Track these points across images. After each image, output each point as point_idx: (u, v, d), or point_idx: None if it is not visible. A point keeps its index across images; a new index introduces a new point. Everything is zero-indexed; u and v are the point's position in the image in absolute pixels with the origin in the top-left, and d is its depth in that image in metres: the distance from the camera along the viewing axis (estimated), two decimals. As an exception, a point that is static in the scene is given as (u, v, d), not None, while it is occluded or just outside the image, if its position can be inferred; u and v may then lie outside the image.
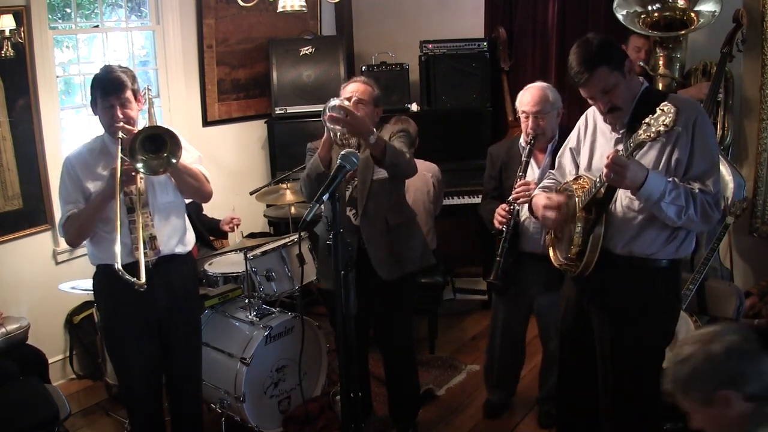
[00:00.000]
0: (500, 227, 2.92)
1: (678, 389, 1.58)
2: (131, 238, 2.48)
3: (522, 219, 2.95)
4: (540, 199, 2.40)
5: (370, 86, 2.84)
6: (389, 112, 4.33)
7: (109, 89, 2.43)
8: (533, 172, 2.97)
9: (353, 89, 2.81)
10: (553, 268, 2.89)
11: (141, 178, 2.49)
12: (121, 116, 2.43)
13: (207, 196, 2.67)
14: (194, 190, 2.60)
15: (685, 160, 2.13)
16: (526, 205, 2.85)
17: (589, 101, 2.26)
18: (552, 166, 2.93)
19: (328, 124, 2.61)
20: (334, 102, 2.60)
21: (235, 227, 4.14)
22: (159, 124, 2.52)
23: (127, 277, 2.32)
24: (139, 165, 2.34)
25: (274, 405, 3.22)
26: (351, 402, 2.21)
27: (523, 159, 2.93)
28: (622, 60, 2.15)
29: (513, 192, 2.87)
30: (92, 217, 2.46)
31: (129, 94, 2.45)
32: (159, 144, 2.36)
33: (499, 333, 3.22)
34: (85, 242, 2.58)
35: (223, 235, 4.28)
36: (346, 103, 2.65)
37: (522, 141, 3.00)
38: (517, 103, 3.01)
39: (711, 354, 1.52)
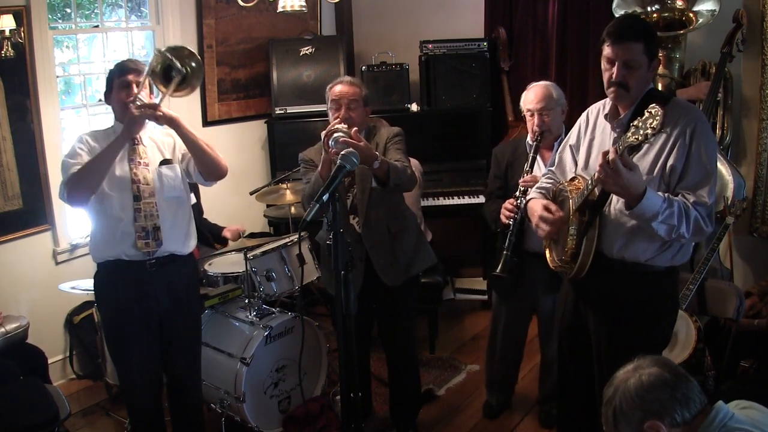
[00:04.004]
0: (507, 221, 2.91)
1: (611, 430, 1.64)
2: (135, 227, 2.48)
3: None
4: (537, 206, 2.36)
5: (357, 87, 2.81)
6: (389, 112, 4.35)
7: (129, 67, 2.50)
8: (540, 169, 2.96)
9: (341, 92, 2.77)
10: None
11: (147, 166, 2.52)
12: (136, 93, 2.48)
13: (223, 171, 2.64)
14: (211, 160, 2.57)
15: (680, 167, 2.10)
16: None
17: (603, 67, 2.20)
18: None
19: (333, 156, 2.59)
20: (337, 135, 2.56)
21: (239, 236, 4.13)
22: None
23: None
24: (181, 93, 2.45)
25: (274, 405, 3.22)
26: (351, 402, 2.21)
27: (530, 155, 2.93)
28: (655, 52, 2.16)
29: (520, 186, 2.87)
30: (104, 161, 2.42)
31: (146, 79, 2.50)
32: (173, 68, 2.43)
33: (500, 335, 3.21)
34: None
35: (224, 242, 4.26)
36: (345, 127, 2.62)
37: (529, 139, 3.00)
38: (522, 103, 3.02)
39: (628, 391, 1.59)
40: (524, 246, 2.97)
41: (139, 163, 2.53)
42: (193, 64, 2.44)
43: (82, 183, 2.42)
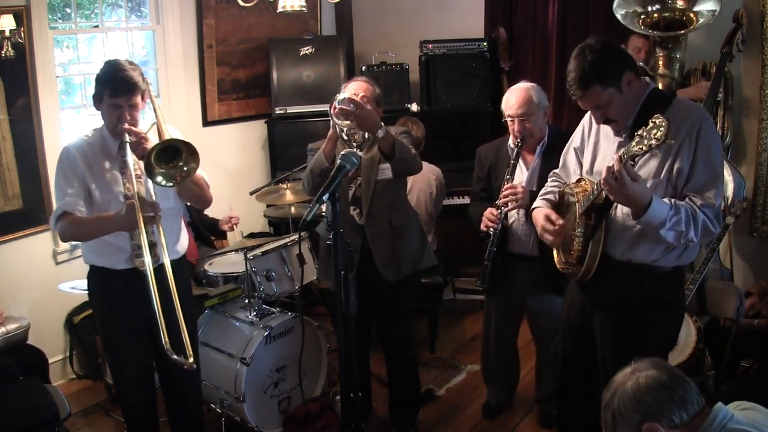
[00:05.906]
0: (487, 230, 2.92)
1: None
2: (131, 245, 2.43)
3: (510, 221, 2.95)
4: (539, 216, 2.37)
5: (371, 86, 2.84)
6: (389, 112, 4.34)
7: (121, 90, 2.33)
8: (522, 173, 2.97)
9: (355, 88, 2.80)
10: (542, 270, 2.90)
11: (140, 179, 2.41)
12: (128, 118, 2.36)
13: (207, 203, 2.64)
14: (196, 197, 2.57)
15: (686, 169, 2.09)
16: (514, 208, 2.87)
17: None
18: (541, 168, 2.93)
19: (335, 119, 2.60)
20: (343, 95, 2.59)
21: (234, 226, 4.13)
22: (164, 122, 2.39)
23: (175, 357, 2.23)
24: (159, 179, 2.24)
25: (274, 405, 3.22)
26: (351, 402, 2.21)
27: (511, 161, 2.91)
28: (618, 75, 2.09)
29: (500, 195, 2.87)
30: (95, 235, 2.41)
31: (138, 97, 2.38)
32: (174, 153, 2.26)
33: (492, 335, 3.23)
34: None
35: (222, 235, 4.27)
36: (354, 94, 2.65)
37: (510, 143, 2.98)
38: (503, 106, 2.97)
39: (625, 393, 1.61)
40: (507, 248, 2.98)
41: (131, 176, 2.36)
42: (193, 166, 2.27)
43: (71, 237, 2.46)
